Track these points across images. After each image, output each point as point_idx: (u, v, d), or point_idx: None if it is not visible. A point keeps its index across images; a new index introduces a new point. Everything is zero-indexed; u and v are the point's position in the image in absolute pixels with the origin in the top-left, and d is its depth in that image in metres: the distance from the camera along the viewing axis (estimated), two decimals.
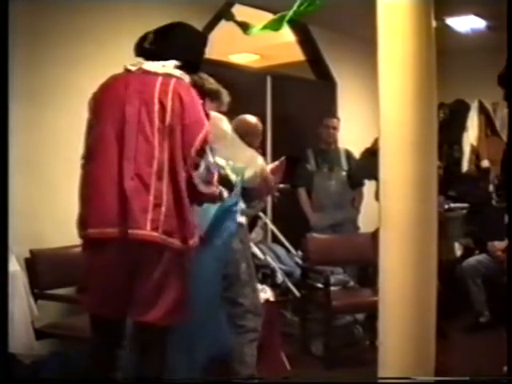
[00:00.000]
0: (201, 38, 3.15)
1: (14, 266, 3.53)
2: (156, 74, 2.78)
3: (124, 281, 2.64)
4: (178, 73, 2.82)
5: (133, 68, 2.82)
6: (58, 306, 4.05)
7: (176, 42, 2.92)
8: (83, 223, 2.69)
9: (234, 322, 3.31)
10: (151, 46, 2.88)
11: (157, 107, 2.69)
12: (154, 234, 2.57)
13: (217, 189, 2.84)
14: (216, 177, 2.83)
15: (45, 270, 3.92)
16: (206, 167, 2.74)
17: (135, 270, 2.63)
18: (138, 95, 2.71)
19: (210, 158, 2.78)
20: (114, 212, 2.58)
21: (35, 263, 3.92)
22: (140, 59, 2.89)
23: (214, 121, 3.13)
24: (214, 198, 2.90)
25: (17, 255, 3.68)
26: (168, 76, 2.78)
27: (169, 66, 2.83)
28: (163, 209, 2.60)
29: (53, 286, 3.93)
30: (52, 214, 4.14)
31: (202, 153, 2.72)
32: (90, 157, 2.75)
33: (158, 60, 2.83)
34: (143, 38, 2.91)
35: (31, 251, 3.94)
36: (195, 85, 2.98)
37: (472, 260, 5.47)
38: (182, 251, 2.67)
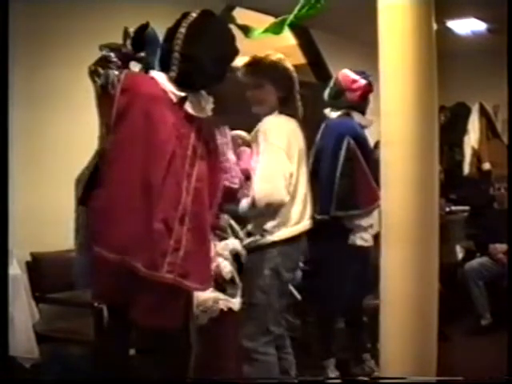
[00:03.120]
0: None
1: (15, 270, 3.53)
2: (192, 117, 2.73)
3: (129, 285, 2.63)
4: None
5: (173, 98, 2.67)
6: (59, 310, 4.05)
7: None
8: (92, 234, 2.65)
9: None
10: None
11: (189, 152, 2.69)
12: (169, 276, 2.57)
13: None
14: None
15: (46, 273, 3.92)
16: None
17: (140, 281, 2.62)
18: (175, 133, 2.64)
19: None
20: (128, 245, 2.55)
21: (36, 266, 3.92)
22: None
23: None
24: None
25: (18, 258, 3.67)
26: (201, 118, 2.77)
27: (208, 108, 2.83)
28: (181, 253, 2.60)
29: (54, 290, 3.92)
30: (53, 217, 4.14)
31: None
32: (106, 162, 2.65)
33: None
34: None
35: (32, 254, 3.94)
36: None
37: (474, 262, 5.46)
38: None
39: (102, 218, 2.61)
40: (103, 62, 2.71)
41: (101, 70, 2.68)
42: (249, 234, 3.23)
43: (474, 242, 5.75)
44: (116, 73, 2.65)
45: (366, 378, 3.47)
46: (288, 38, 6.07)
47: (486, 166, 6.82)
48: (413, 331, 2.64)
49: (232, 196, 3.10)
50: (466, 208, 6.39)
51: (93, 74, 2.72)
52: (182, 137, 2.66)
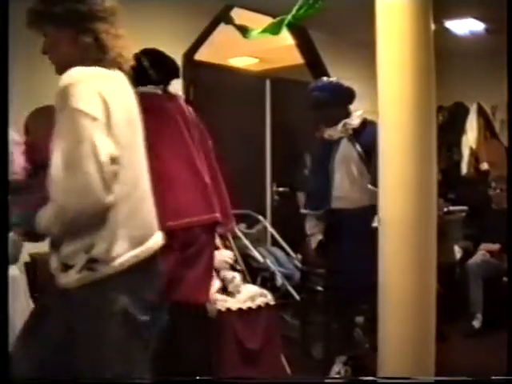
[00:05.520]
0: None
1: (14, 271, 3.52)
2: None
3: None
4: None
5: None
6: None
7: None
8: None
9: None
10: None
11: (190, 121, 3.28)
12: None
13: None
14: None
15: (45, 274, 3.91)
16: None
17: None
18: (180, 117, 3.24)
19: None
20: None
21: (35, 267, 3.91)
22: None
23: None
24: None
25: None
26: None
27: None
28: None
29: None
30: None
31: None
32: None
33: None
34: None
35: (31, 255, 3.94)
36: None
37: (477, 259, 5.40)
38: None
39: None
40: None
41: None
42: (66, 267, 2.07)
43: (471, 242, 5.75)
44: None
45: (366, 378, 3.46)
46: (286, 38, 6.07)
47: (484, 166, 6.82)
48: (411, 331, 2.65)
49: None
50: (464, 208, 6.39)
51: None
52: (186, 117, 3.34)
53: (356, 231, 3.57)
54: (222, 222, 3.25)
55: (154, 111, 3.10)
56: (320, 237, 4.04)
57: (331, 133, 3.97)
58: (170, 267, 2.99)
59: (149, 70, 3.21)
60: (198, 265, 3.13)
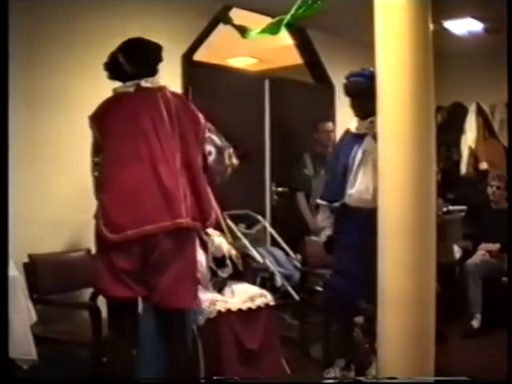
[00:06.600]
0: None
1: (13, 271, 3.52)
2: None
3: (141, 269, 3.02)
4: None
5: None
6: (56, 311, 4.04)
7: None
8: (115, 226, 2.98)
9: None
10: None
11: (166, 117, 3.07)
12: (188, 220, 3.03)
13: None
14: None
15: (43, 274, 3.91)
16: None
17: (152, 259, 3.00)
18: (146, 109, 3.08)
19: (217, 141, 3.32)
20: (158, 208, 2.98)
21: (34, 268, 3.91)
22: None
23: None
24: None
25: (15, 260, 3.66)
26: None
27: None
28: (189, 200, 3.04)
29: (51, 291, 3.92)
30: (50, 219, 4.13)
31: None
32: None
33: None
34: None
35: (30, 256, 3.93)
36: None
37: (476, 259, 5.41)
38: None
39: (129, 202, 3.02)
40: None
41: None
42: None
43: (471, 242, 5.75)
44: None
45: (366, 379, 3.47)
46: (285, 38, 6.07)
47: (483, 165, 6.83)
48: (410, 331, 2.65)
49: None
50: (464, 208, 6.39)
51: None
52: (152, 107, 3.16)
53: (364, 231, 3.50)
54: (193, 224, 3.08)
55: (119, 114, 3.09)
56: (329, 232, 4.02)
57: (358, 126, 3.90)
58: (136, 269, 3.02)
59: (125, 66, 3.10)
60: (166, 271, 3.01)
